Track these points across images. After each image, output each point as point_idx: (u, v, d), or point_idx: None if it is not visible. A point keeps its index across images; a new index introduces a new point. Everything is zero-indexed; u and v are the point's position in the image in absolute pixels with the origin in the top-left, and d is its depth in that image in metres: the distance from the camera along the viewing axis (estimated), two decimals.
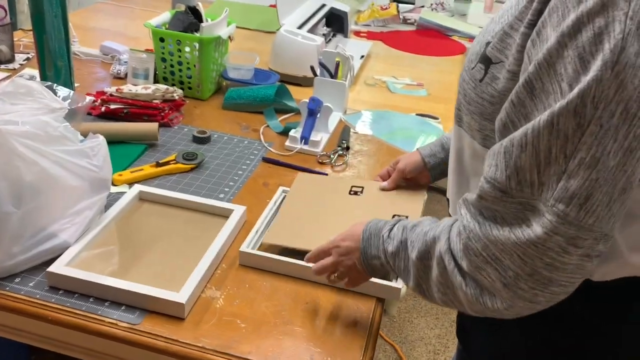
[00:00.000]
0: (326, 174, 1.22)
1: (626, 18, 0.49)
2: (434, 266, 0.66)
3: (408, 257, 0.70)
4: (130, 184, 1.12)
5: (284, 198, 1.08)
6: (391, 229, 0.74)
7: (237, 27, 2.07)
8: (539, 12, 0.57)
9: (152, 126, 1.25)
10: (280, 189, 1.12)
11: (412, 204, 1.06)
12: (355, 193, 1.08)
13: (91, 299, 0.85)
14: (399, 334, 2.02)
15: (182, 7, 1.53)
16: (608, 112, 0.50)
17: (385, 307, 2.10)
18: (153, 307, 0.84)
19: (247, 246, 0.95)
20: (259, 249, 0.96)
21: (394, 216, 1.01)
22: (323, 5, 1.99)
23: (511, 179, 0.56)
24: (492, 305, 0.60)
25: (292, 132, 1.33)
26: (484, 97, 0.66)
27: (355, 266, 0.80)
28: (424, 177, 1.09)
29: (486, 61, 0.66)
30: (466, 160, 0.75)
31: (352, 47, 1.96)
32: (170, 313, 0.83)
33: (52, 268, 0.86)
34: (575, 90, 0.50)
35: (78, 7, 2.63)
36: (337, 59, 1.51)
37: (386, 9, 2.32)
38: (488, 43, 0.67)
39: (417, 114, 1.55)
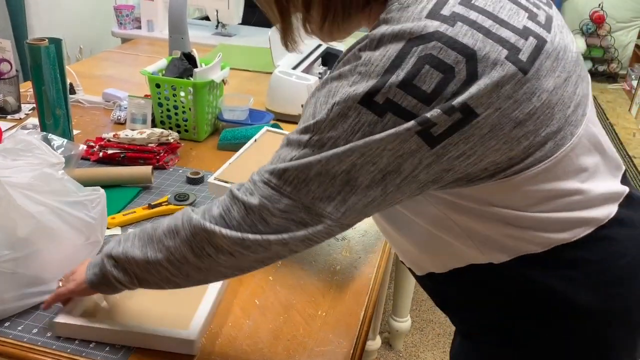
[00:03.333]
0: None
1: (348, 83, 0.66)
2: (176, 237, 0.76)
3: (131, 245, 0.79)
4: (123, 226, 1.15)
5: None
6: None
7: (239, 69, 2.15)
8: None
9: (146, 169, 1.29)
10: None
11: None
12: None
13: (76, 342, 0.87)
14: None
15: (178, 54, 1.59)
16: (320, 141, 0.67)
17: (391, 342, 2.09)
18: (160, 347, 0.86)
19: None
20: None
21: None
22: (319, 46, 2.05)
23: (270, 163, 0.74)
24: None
25: None
26: None
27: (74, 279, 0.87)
28: None
29: None
30: None
31: None
32: (180, 351, 0.85)
33: (58, 319, 0.88)
34: (302, 125, 0.69)
35: (90, 55, 2.73)
36: None
37: None
38: None
39: None
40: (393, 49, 0.64)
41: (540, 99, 0.67)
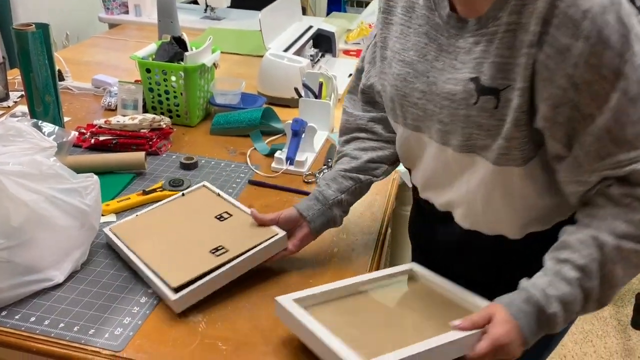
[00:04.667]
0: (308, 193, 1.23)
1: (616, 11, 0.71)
2: (615, 265, 0.77)
3: (593, 286, 0.78)
4: (118, 213, 1.14)
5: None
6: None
7: (229, 53, 2.13)
8: (540, 33, 0.73)
9: (139, 155, 1.28)
10: None
11: (257, 234, 0.99)
12: (220, 218, 1.05)
13: (76, 328, 0.86)
14: None
15: (168, 38, 1.56)
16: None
17: None
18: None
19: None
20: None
21: (214, 249, 0.96)
22: (310, 27, 2.03)
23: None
24: None
25: (277, 154, 1.35)
26: (504, 119, 0.79)
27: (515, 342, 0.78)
28: (304, 232, 1.01)
29: (492, 91, 0.79)
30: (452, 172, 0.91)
31: (341, 66, 1.99)
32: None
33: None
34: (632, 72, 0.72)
35: (77, 41, 2.69)
36: (320, 80, 1.53)
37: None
38: (473, 79, 0.80)
39: None
40: None
41: None
